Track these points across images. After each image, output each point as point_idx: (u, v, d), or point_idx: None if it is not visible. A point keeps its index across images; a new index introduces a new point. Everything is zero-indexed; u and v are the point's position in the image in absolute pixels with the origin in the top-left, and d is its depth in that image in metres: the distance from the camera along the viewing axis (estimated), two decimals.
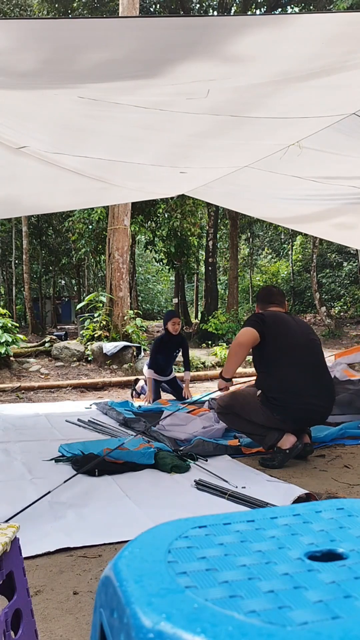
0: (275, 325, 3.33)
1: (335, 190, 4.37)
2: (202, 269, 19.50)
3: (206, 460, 3.28)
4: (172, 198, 13.35)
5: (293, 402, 3.21)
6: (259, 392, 3.38)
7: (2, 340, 8.05)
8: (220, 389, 3.58)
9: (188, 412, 4.47)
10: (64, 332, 14.84)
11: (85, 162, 3.96)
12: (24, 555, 1.28)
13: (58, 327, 21.50)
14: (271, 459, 3.24)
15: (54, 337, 10.40)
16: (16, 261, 20.69)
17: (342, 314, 19.16)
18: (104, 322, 9.63)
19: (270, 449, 3.31)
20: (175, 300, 19.07)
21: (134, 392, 6.10)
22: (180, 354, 5.75)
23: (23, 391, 6.82)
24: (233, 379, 3.58)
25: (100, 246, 14.52)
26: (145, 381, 5.89)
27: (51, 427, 4.38)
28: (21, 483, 2.89)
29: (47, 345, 9.61)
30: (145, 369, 5.70)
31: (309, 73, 2.49)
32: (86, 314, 10.99)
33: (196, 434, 3.77)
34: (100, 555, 2.05)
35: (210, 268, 16.79)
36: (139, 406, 5.15)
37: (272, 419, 3.26)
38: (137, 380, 6.47)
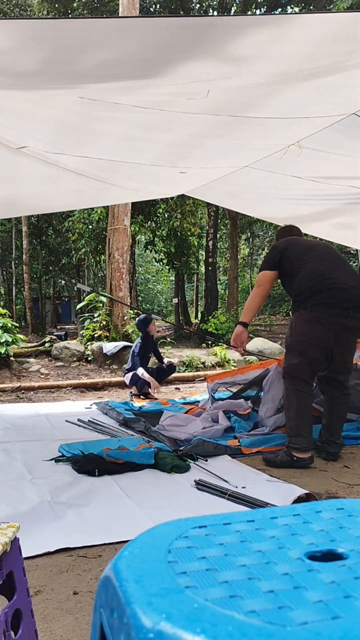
0: (289, 244, 3.43)
1: (335, 190, 4.37)
2: (202, 269, 19.50)
3: (206, 460, 3.28)
4: (172, 198, 13.35)
5: (324, 284, 3.16)
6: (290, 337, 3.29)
7: (2, 340, 8.05)
8: (234, 341, 3.47)
9: (186, 412, 4.48)
10: (64, 332, 14.84)
11: (85, 162, 3.96)
12: (24, 555, 1.28)
13: (58, 327, 21.50)
14: (275, 455, 3.24)
15: (54, 337, 10.40)
16: (16, 261, 20.69)
17: None
18: (104, 322, 9.63)
19: (290, 448, 3.23)
20: (175, 300, 19.07)
21: (132, 395, 6.10)
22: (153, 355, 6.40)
23: (23, 391, 6.81)
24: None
25: (100, 246, 14.52)
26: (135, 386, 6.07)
27: (51, 427, 4.38)
28: (21, 483, 2.89)
29: (47, 345, 9.61)
30: (141, 370, 5.94)
31: (309, 73, 2.49)
32: (86, 314, 10.98)
33: (196, 434, 3.77)
34: (100, 555, 2.05)
35: (210, 268, 16.79)
36: (140, 407, 5.15)
37: (314, 327, 3.15)
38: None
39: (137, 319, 6.56)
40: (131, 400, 5.64)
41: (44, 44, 2.24)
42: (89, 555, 2.05)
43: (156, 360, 6.52)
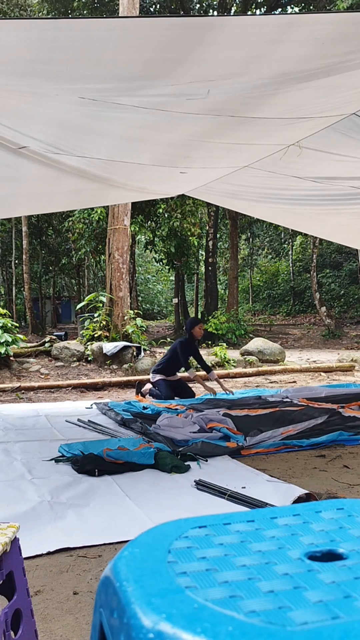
0: None
1: (335, 190, 4.37)
2: (202, 269, 19.49)
3: (206, 461, 3.28)
4: (172, 198, 13.34)
5: None
6: None
7: (2, 340, 8.04)
8: None
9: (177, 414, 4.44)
10: (64, 332, 14.83)
11: (85, 162, 3.96)
12: (24, 555, 1.28)
13: (58, 327, 21.50)
14: None
15: (54, 337, 10.39)
16: (16, 261, 20.68)
17: (342, 314, 19.15)
18: (104, 322, 9.63)
19: None
20: (175, 300, 19.05)
21: (139, 394, 6.06)
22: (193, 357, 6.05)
23: (23, 391, 6.81)
24: None
25: (100, 246, 14.51)
26: (153, 384, 5.99)
27: (51, 427, 4.38)
28: (21, 483, 2.89)
29: (47, 345, 9.60)
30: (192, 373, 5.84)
31: (309, 73, 2.49)
32: (86, 314, 10.98)
33: (193, 437, 3.76)
34: (100, 555, 2.05)
35: (210, 268, 16.79)
36: (144, 407, 5.09)
37: None
38: (140, 384, 6.40)
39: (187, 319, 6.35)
40: (137, 398, 5.58)
41: (44, 44, 2.24)
42: (89, 555, 2.05)
43: (198, 365, 6.24)
